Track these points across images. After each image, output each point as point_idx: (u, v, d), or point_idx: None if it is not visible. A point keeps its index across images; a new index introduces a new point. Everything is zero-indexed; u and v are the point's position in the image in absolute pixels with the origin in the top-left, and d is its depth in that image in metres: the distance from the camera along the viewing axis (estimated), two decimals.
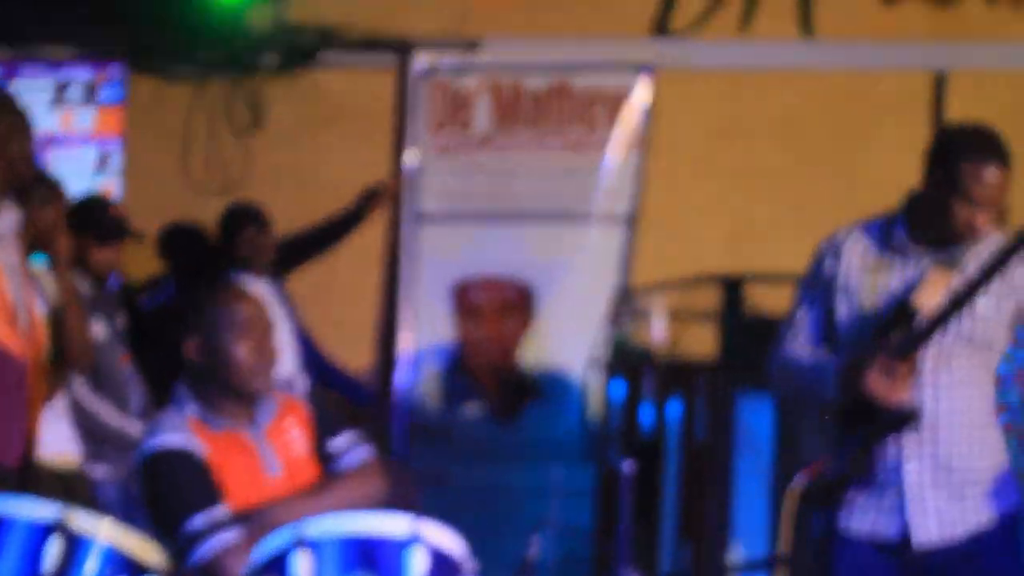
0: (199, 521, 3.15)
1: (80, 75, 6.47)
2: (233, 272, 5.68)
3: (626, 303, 5.93)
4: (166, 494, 3.24)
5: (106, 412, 4.78)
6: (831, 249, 3.61)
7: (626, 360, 5.54)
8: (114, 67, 6.45)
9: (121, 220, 5.13)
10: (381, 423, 6.18)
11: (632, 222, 6.24)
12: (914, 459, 3.42)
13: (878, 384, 3.34)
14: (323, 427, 3.49)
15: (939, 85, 6.21)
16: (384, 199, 6.18)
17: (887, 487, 3.44)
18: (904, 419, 3.38)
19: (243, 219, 5.71)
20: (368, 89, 6.56)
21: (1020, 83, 5.98)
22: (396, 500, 3.92)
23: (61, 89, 6.47)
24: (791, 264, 6.07)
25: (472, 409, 6.33)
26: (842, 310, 3.54)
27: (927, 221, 3.48)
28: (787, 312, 3.97)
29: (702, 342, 5.30)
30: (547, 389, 6.23)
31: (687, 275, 5.43)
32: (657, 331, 5.53)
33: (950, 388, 3.42)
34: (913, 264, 3.46)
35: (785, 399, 3.71)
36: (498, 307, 6.31)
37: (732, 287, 4.68)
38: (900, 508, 3.43)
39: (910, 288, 3.41)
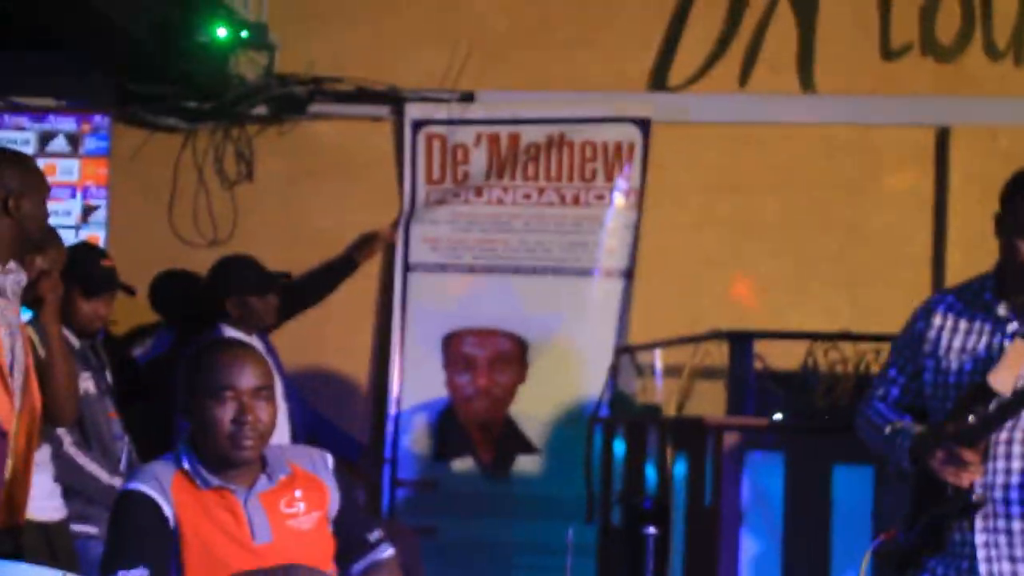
0: None
1: (64, 125, 6.36)
2: (223, 326, 5.52)
3: (627, 358, 5.82)
4: (109, 538, 3.10)
5: (96, 470, 4.62)
6: (923, 310, 3.60)
7: (628, 416, 5.42)
8: (99, 117, 6.34)
9: (111, 272, 4.96)
10: (371, 476, 6.04)
11: (630, 276, 6.14)
12: (986, 532, 3.39)
13: (944, 469, 3.35)
14: (350, 515, 3.32)
15: (942, 139, 6.15)
16: (379, 246, 6.05)
17: (961, 558, 3.44)
18: (969, 505, 3.36)
19: (269, 284, 5.46)
20: (360, 140, 6.47)
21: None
22: (404, 560, 3.79)
23: (45, 140, 6.38)
24: (791, 318, 6.03)
25: (463, 463, 6.20)
26: (928, 371, 3.53)
27: (1007, 275, 3.45)
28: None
29: (706, 398, 5.19)
30: (540, 444, 6.12)
31: (685, 329, 5.33)
32: (660, 387, 5.43)
33: (1023, 460, 3.39)
34: (999, 327, 3.44)
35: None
36: (491, 359, 6.21)
37: (740, 343, 4.56)
38: None
39: (989, 360, 3.39)
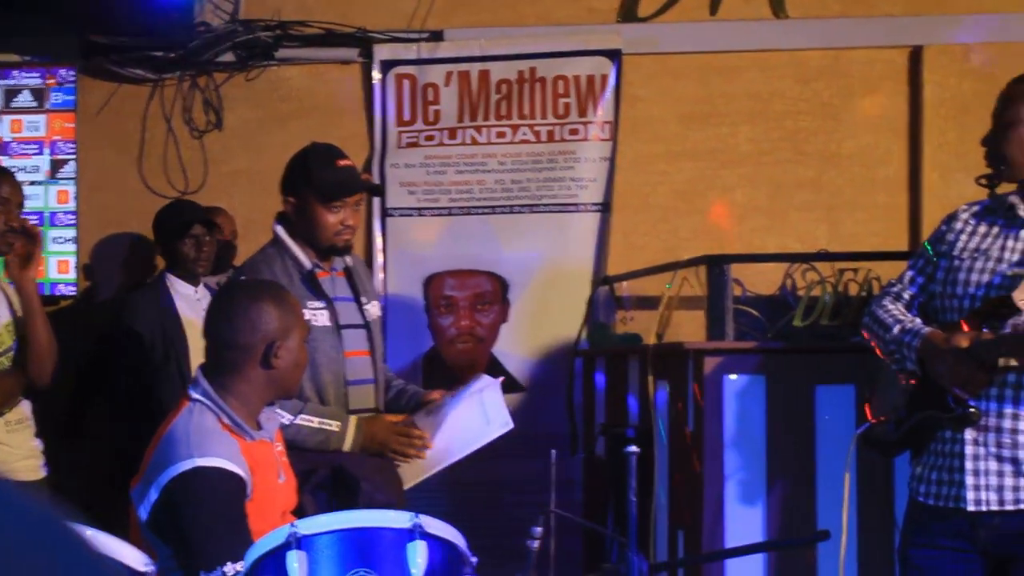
0: (231, 570, 2.96)
1: (29, 80, 6.27)
2: (167, 275, 5.52)
3: (605, 290, 5.79)
4: (205, 521, 3.02)
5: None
6: (949, 215, 3.64)
7: (608, 347, 5.40)
8: (64, 71, 6.26)
9: (350, 172, 4.24)
10: None
11: (607, 209, 6.11)
12: (975, 428, 3.42)
13: (951, 380, 3.37)
14: None
15: (914, 60, 6.11)
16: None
17: (951, 456, 3.47)
18: (967, 419, 3.39)
19: (186, 226, 5.49)
20: (329, 84, 6.40)
21: (997, 54, 5.90)
22: (387, 498, 3.79)
23: (11, 95, 6.28)
24: (769, 245, 6.01)
25: None
26: (941, 270, 3.57)
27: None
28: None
29: (686, 327, 5.18)
30: (525, 381, 6.10)
31: (663, 260, 5.30)
32: (639, 317, 5.41)
33: (1018, 383, 3.41)
34: (1015, 228, 3.47)
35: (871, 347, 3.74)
36: (472, 300, 6.17)
37: (717, 267, 4.54)
38: (962, 477, 3.43)
39: (1000, 261, 3.43)
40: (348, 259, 4.24)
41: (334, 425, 4.03)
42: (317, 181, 4.08)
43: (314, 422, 3.99)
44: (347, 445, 4.04)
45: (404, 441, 4.11)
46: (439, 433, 4.18)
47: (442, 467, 4.20)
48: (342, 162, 4.17)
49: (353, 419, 4.07)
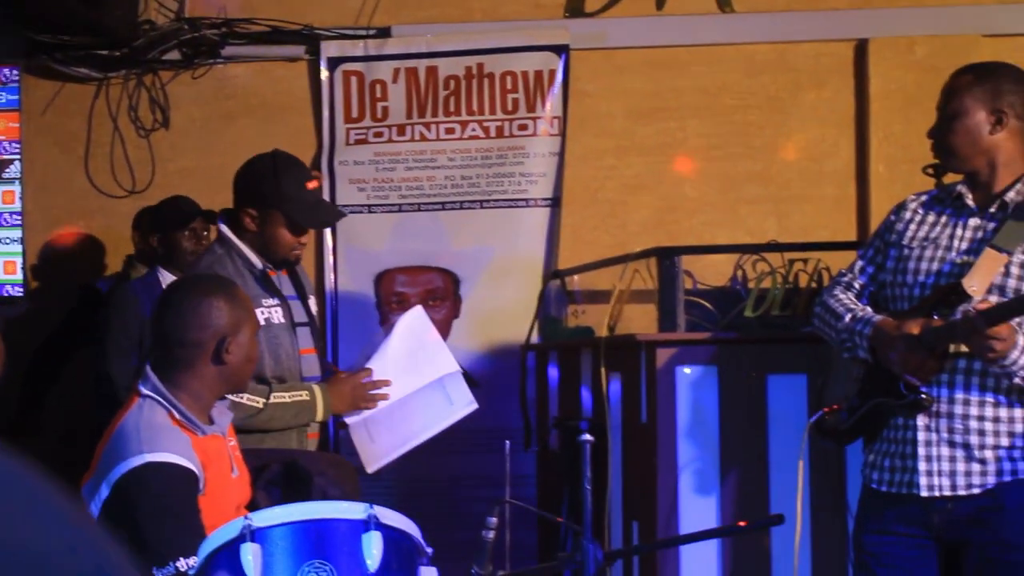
0: (184, 565, 2.95)
1: None
2: (159, 268, 5.50)
3: (556, 284, 5.79)
4: (158, 516, 3.01)
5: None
6: (898, 204, 3.68)
7: (560, 340, 5.41)
8: (8, 70, 6.19)
9: (319, 197, 4.33)
10: None
11: (557, 204, 6.11)
12: (927, 415, 3.45)
13: (902, 367, 3.40)
14: None
15: (860, 53, 6.15)
16: None
17: (903, 443, 3.49)
18: (919, 405, 3.42)
19: (187, 218, 5.49)
20: (276, 81, 6.37)
21: (941, 47, 5.95)
22: (341, 492, 3.78)
23: None
24: (719, 238, 6.04)
25: None
26: (891, 259, 3.61)
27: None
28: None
29: (638, 320, 5.19)
30: (478, 377, 6.08)
31: (614, 254, 5.31)
32: (591, 310, 5.41)
33: (969, 369, 3.44)
34: (963, 218, 3.50)
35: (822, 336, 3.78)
36: (423, 296, 6.15)
37: (668, 258, 4.55)
38: (915, 463, 3.46)
39: (949, 249, 3.48)
40: None
41: (304, 394, 4.03)
42: (290, 208, 4.01)
43: (286, 397, 3.99)
44: (319, 413, 4.06)
45: (368, 385, 4.11)
46: (400, 415, 4.20)
47: (406, 449, 4.21)
48: (311, 184, 4.12)
49: (316, 386, 4.09)
